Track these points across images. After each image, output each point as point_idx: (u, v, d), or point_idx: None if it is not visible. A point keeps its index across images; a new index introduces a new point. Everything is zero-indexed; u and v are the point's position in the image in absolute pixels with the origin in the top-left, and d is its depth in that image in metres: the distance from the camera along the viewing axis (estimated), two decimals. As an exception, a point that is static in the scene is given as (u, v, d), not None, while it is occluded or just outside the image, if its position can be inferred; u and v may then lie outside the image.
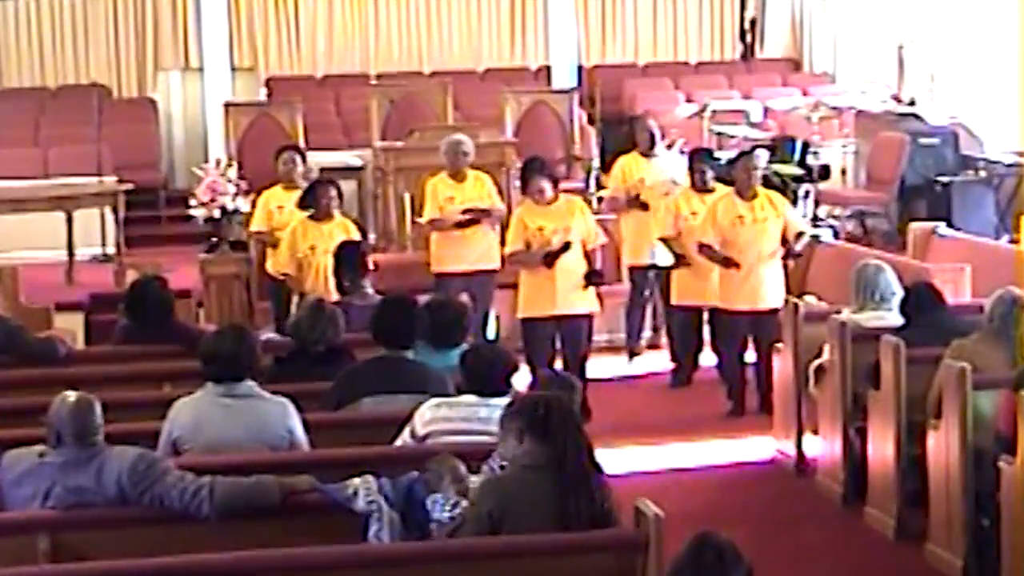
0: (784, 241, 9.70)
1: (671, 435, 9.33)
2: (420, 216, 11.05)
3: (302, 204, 10.04)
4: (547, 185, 9.59)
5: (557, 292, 9.53)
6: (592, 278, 9.55)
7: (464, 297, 9.76)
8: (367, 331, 6.89)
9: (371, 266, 8.85)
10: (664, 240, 10.28)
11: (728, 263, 9.61)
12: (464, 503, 5.06)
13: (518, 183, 12.21)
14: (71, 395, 5.21)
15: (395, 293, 7.61)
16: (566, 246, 9.43)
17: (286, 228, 10.20)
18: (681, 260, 10.16)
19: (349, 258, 8.75)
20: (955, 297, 8.94)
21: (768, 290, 9.64)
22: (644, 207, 10.79)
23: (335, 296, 9.13)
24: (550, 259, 9.45)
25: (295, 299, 9.72)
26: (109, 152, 14.72)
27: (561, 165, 13.67)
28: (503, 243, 10.11)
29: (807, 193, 14.05)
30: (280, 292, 10.26)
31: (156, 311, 7.85)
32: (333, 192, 9.93)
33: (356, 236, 9.85)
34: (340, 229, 9.75)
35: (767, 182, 11.33)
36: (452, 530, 5.01)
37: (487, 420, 5.68)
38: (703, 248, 9.75)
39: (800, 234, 9.80)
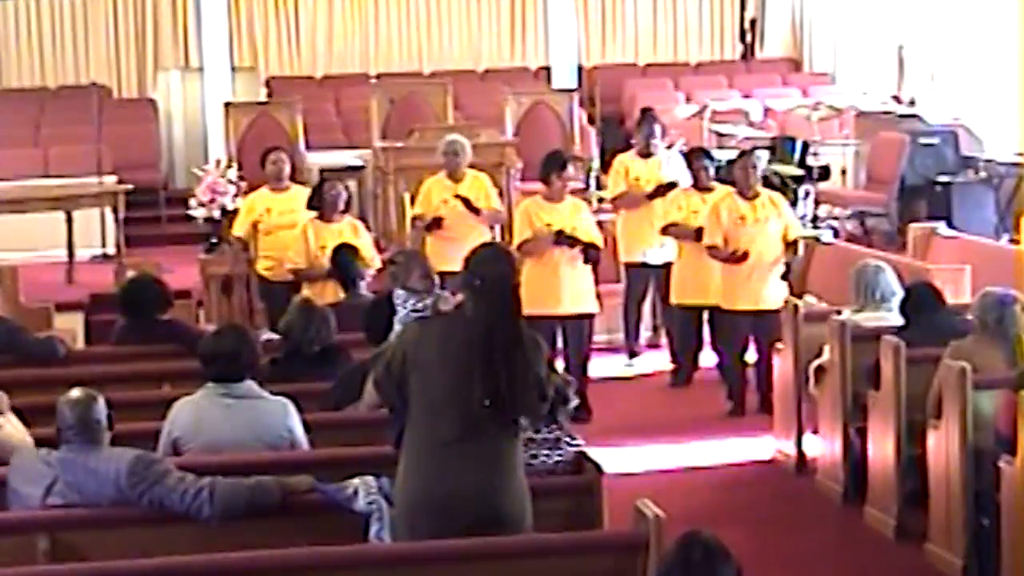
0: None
1: (671, 435, 9.32)
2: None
3: (310, 205, 10.01)
4: (566, 183, 9.75)
5: (562, 291, 9.52)
6: (589, 252, 9.54)
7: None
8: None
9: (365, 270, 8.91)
10: (665, 230, 10.27)
11: (738, 259, 9.58)
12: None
13: (519, 182, 12.26)
14: (75, 391, 5.22)
15: (387, 293, 7.59)
16: (577, 240, 9.46)
17: (275, 232, 10.21)
18: (684, 238, 10.14)
19: (341, 263, 8.81)
20: (955, 297, 8.92)
21: (769, 290, 9.63)
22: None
23: (342, 296, 9.14)
24: (561, 238, 9.44)
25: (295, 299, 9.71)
26: (109, 152, 14.73)
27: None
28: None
29: (807, 193, 14.03)
30: (272, 293, 10.21)
31: (151, 307, 7.85)
32: (340, 189, 9.90)
33: (365, 236, 9.86)
34: (349, 228, 9.74)
35: (767, 182, 11.32)
36: (374, 356, 4.98)
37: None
38: (711, 250, 9.75)
39: (795, 242, 9.69)
